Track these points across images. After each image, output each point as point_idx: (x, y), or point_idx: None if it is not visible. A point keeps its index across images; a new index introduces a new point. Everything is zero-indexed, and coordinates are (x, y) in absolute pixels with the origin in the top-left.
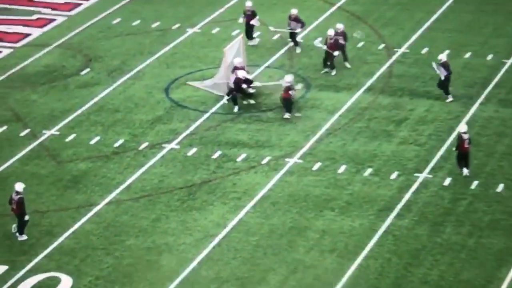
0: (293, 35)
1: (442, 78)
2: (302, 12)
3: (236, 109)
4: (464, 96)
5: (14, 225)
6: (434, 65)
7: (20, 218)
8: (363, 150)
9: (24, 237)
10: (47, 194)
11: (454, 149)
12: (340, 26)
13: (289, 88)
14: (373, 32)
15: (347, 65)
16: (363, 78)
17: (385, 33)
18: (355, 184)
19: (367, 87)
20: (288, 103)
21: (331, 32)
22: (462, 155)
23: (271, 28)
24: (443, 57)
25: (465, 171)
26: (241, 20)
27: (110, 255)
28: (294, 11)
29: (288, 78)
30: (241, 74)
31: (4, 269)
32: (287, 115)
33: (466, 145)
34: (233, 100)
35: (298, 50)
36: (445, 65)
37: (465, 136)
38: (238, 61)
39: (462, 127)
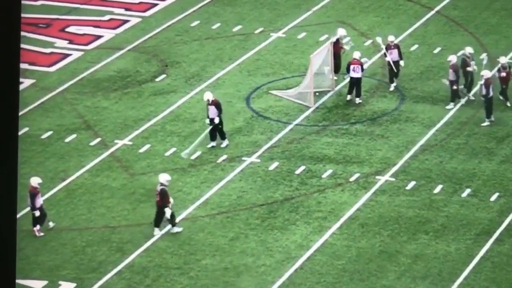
0: (395, 66)
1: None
2: (396, 16)
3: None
4: None
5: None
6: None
7: (160, 210)
8: (461, 169)
9: (158, 231)
10: (118, 208)
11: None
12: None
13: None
14: (474, 40)
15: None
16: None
17: (487, 42)
18: (451, 206)
19: (466, 100)
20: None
21: (453, 58)
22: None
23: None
24: (452, 58)
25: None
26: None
27: (185, 275)
28: (393, 38)
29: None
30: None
31: (72, 287)
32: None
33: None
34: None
35: (392, 87)
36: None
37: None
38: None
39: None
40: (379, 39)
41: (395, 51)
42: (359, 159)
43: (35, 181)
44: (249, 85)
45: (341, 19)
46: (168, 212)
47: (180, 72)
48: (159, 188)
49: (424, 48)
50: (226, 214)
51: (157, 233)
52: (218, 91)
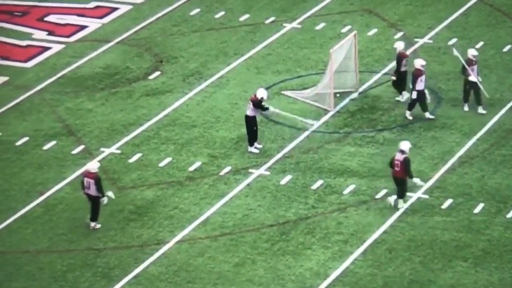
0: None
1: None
2: (432, 5)
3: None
4: None
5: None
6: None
7: (401, 182)
8: (506, 185)
9: (403, 203)
10: (104, 228)
11: None
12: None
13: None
14: None
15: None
16: (510, 92)
17: None
18: (494, 228)
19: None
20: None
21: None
22: None
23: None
24: (399, 45)
25: None
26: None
27: None
28: (475, 52)
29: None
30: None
31: None
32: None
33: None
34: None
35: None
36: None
37: None
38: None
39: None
40: (456, 52)
41: (476, 68)
42: (387, 172)
43: (94, 165)
44: (258, 85)
45: (367, 7)
46: (417, 180)
47: (177, 68)
48: (401, 157)
49: (464, 42)
50: (230, 236)
51: (402, 206)
52: (222, 91)
